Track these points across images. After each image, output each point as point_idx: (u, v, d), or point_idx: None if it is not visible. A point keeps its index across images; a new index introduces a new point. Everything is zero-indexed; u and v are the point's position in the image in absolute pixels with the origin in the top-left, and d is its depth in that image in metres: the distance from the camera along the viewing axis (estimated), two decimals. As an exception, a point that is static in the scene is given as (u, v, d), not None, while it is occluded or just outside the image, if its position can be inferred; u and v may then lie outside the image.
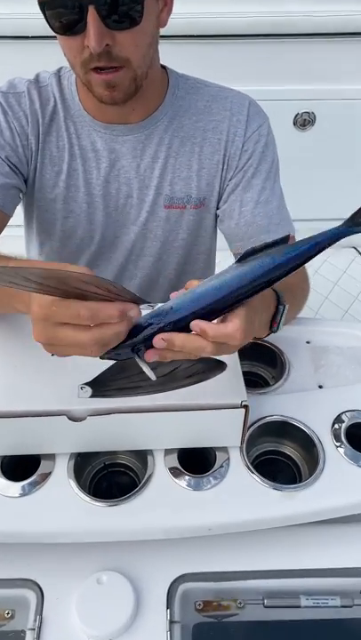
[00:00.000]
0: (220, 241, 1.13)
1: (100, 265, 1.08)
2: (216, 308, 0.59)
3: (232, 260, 1.82)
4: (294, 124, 1.76)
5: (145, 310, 0.59)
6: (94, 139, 0.95)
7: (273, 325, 0.77)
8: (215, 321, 0.59)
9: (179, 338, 0.57)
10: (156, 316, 0.58)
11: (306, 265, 0.64)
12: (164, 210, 1.00)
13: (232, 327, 0.58)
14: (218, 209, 1.03)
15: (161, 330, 0.58)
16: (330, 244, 0.62)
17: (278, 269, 0.60)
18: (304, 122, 1.77)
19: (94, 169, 0.96)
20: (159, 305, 0.60)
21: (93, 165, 0.96)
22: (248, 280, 0.59)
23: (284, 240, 0.61)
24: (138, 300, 0.57)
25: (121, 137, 0.94)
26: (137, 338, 0.58)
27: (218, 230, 1.09)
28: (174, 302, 0.59)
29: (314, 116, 1.76)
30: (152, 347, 0.58)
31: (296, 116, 1.75)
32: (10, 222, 0.98)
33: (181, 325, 0.58)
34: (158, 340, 0.57)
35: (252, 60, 1.66)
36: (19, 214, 1.08)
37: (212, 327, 0.57)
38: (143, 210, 1.00)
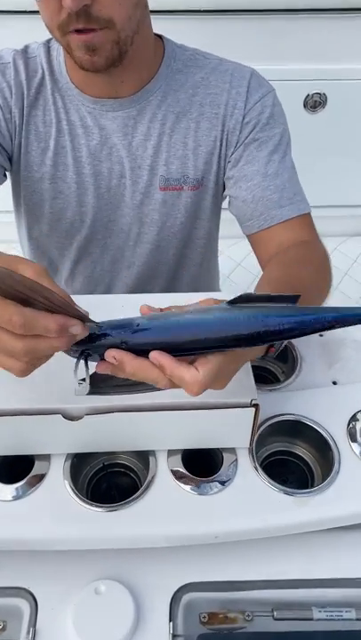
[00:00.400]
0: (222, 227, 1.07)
1: (94, 252, 1.02)
2: (184, 347, 0.51)
3: (234, 248, 1.72)
4: (304, 105, 1.68)
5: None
6: (83, 114, 0.89)
7: (270, 351, 0.71)
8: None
9: (131, 363, 0.51)
10: (118, 327, 0.52)
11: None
12: (160, 192, 0.94)
13: (191, 377, 0.51)
14: (223, 190, 0.97)
15: (117, 345, 0.51)
16: (343, 325, 0.53)
17: (270, 335, 0.52)
18: (315, 103, 1.68)
19: (84, 146, 0.90)
20: (126, 318, 0.53)
21: (83, 142, 0.90)
22: (230, 333, 0.51)
23: (292, 299, 0.53)
24: (84, 319, 0.50)
25: (111, 112, 0.88)
26: (89, 344, 0.52)
27: (219, 212, 1.03)
28: (142, 320, 0.52)
29: (325, 98, 1.68)
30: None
31: (306, 97, 1.67)
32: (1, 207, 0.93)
33: (140, 349, 0.51)
34: (109, 356, 0.51)
35: (258, 36, 1.58)
36: (8, 199, 1.03)
37: (172, 365, 0.50)
38: (137, 192, 0.94)
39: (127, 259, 1.03)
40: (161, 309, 0.56)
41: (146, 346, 0.51)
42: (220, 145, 0.91)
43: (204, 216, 0.99)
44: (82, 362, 0.53)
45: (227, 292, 0.78)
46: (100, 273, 1.05)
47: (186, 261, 1.06)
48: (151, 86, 0.87)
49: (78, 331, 0.49)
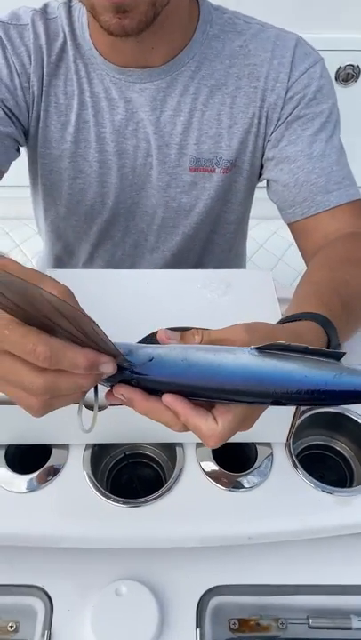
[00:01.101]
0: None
1: (115, 235, 0.95)
2: (203, 394, 0.43)
3: (257, 229, 1.61)
4: (336, 78, 1.58)
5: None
6: (108, 85, 0.80)
7: None
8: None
9: (142, 404, 0.44)
10: (130, 355, 0.43)
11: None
12: (190, 173, 0.86)
13: (208, 430, 0.43)
14: (260, 174, 0.88)
15: (126, 379, 0.43)
16: None
17: (305, 400, 0.42)
18: (347, 76, 1.58)
19: (108, 121, 0.82)
20: (141, 345, 0.44)
21: (107, 117, 0.82)
22: (258, 388, 0.42)
23: (336, 356, 0.43)
24: (117, 354, 0.42)
25: (138, 84, 0.79)
26: (113, 379, 0.44)
27: (252, 196, 0.95)
28: (158, 353, 0.43)
29: (359, 70, 1.58)
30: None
31: (338, 69, 1.57)
32: (18, 182, 0.86)
33: (153, 386, 0.44)
34: (117, 393, 0.44)
35: (285, 2, 1.47)
36: (24, 173, 0.96)
37: (187, 412, 0.43)
38: (164, 172, 0.86)
39: (150, 243, 0.96)
40: (183, 333, 0.47)
41: (159, 385, 0.44)
42: (259, 123, 0.82)
43: (236, 200, 0.91)
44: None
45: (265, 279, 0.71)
46: (120, 257, 0.98)
47: (213, 247, 0.98)
48: (184, 55, 0.79)
49: (109, 370, 0.41)
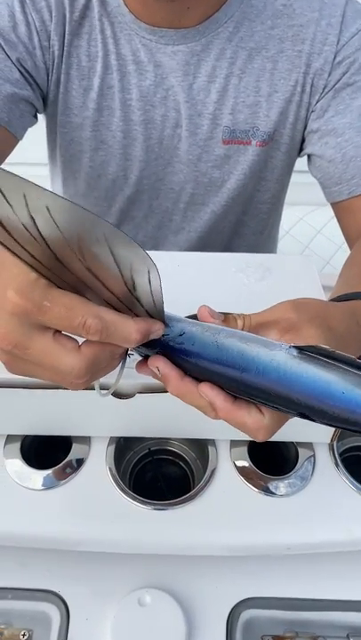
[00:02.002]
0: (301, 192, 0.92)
1: (137, 215, 0.88)
2: (238, 389, 0.38)
3: (313, 215, 1.50)
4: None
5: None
6: (136, 46, 0.72)
7: None
8: None
9: (177, 383, 0.38)
10: (172, 329, 0.38)
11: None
12: (223, 146, 0.78)
13: (254, 423, 0.38)
14: (301, 150, 0.80)
15: (166, 351, 0.38)
16: None
17: (349, 424, 0.36)
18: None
19: (135, 87, 0.74)
20: (176, 317, 0.38)
21: (134, 82, 0.74)
22: (297, 396, 0.36)
23: None
24: (167, 320, 0.37)
25: (170, 46, 0.72)
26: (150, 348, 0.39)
27: (290, 173, 0.88)
28: (191, 329, 0.38)
29: None
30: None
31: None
32: (33, 159, 0.78)
33: (176, 361, 0.38)
34: (152, 365, 0.39)
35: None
36: (41, 149, 0.90)
37: (227, 408, 0.38)
38: (195, 145, 0.78)
39: (176, 224, 0.89)
40: (225, 317, 0.42)
41: (182, 363, 0.38)
42: (302, 91, 0.74)
43: (272, 177, 0.84)
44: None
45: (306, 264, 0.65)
46: (142, 240, 0.91)
47: (244, 230, 0.91)
48: (221, 14, 0.71)
49: (158, 335, 0.36)
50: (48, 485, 0.55)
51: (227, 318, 0.41)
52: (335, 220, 0.82)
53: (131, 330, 0.34)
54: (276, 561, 0.56)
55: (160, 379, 0.39)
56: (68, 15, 0.71)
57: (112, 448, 0.57)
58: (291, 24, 0.72)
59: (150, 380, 0.51)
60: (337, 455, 0.57)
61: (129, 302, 0.35)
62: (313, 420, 0.37)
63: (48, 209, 0.28)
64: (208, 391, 0.38)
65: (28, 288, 0.32)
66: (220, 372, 0.37)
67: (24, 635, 0.54)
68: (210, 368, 0.37)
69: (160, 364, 0.38)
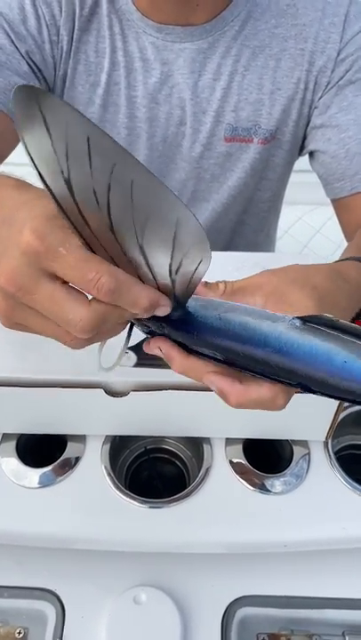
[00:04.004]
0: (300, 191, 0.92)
1: None
2: (241, 364, 0.37)
3: (312, 214, 1.49)
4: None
5: None
6: (143, 44, 0.73)
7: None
8: None
9: (180, 362, 0.38)
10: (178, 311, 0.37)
11: None
12: (225, 143, 0.78)
13: (268, 392, 0.36)
14: (303, 147, 0.81)
15: (169, 328, 0.38)
16: None
17: (335, 385, 0.35)
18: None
19: (140, 84, 0.75)
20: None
21: (140, 79, 0.74)
22: (282, 361, 0.35)
23: None
24: (182, 301, 0.36)
25: (177, 44, 0.72)
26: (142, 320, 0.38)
27: (290, 171, 0.88)
28: (193, 305, 0.37)
29: None
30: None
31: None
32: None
33: (180, 338, 0.38)
34: (154, 346, 0.39)
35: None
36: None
37: (239, 392, 0.36)
38: (197, 142, 0.79)
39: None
40: (206, 283, 0.42)
41: (187, 339, 0.38)
42: (305, 89, 0.75)
43: (273, 176, 0.84)
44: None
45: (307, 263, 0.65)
46: None
47: (244, 229, 0.91)
48: (228, 13, 0.72)
49: (164, 313, 0.36)
50: (44, 484, 0.55)
51: (208, 285, 0.42)
52: (334, 219, 0.82)
53: (141, 295, 0.33)
54: (272, 559, 0.56)
55: (165, 358, 0.39)
56: (77, 11, 0.72)
57: (107, 446, 0.57)
58: (294, 23, 0.73)
59: (144, 378, 0.51)
60: (332, 453, 0.57)
61: (162, 281, 0.34)
62: (314, 392, 0.36)
63: (132, 183, 0.27)
64: (215, 379, 0.37)
65: (46, 229, 0.31)
66: (222, 346, 0.37)
67: (19, 633, 0.54)
68: (214, 342, 0.37)
69: (161, 344, 0.38)
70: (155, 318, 0.37)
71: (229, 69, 0.74)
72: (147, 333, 0.40)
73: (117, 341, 0.40)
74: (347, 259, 0.51)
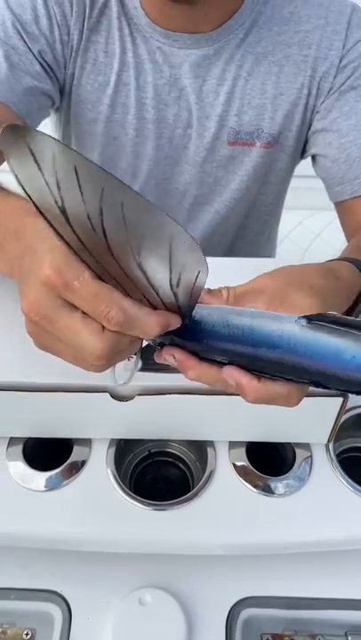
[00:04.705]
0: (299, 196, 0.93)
1: None
2: (239, 361, 0.38)
3: (312, 220, 1.51)
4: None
5: None
6: (152, 48, 0.74)
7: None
8: None
9: (194, 368, 0.39)
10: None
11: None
12: (228, 147, 0.80)
13: (283, 389, 0.38)
14: (305, 151, 0.82)
15: (179, 337, 0.39)
16: None
17: (346, 379, 0.36)
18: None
19: (150, 85, 0.76)
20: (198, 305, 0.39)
21: (150, 80, 0.76)
22: (292, 360, 0.36)
23: None
24: (186, 313, 0.38)
25: (184, 49, 0.73)
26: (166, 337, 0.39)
27: (291, 176, 0.89)
28: (200, 313, 0.38)
29: None
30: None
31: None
32: None
33: (190, 347, 0.39)
34: (167, 354, 0.40)
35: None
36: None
37: (253, 387, 0.38)
38: (201, 146, 0.80)
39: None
40: (209, 290, 0.43)
41: (197, 347, 0.39)
42: (308, 94, 0.76)
43: (275, 179, 0.85)
44: None
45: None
46: None
47: (246, 231, 0.93)
48: (233, 22, 0.73)
49: (176, 327, 0.37)
50: (50, 487, 0.56)
51: (211, 292, 0.43)
52: (334, 224, 0.84)
53: (151, 324, 0.35)
54: (275, 560, 0.57)
55: (178, 367, 0.40)
56: (87, 11, 0.73)
57: (113, 450, 0.58)
58: (297, 30, 0.75)
59: (149, 383, 0.52)
60: (333, 456, 0.58)
61: (166, 296, 0.35)
62: (327, 388, 0.37)
63: (122, 205, 0.29)
64: (233, 372, 0.38)
65: (63, 264, 0.34)
66: (232, 351, 0.38)
67: (27, 634, 0.55)
68: (223, 347, 0.38)
69: (175, 352, 0.39)
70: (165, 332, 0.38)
71: (233, 75, 0.75)
72: (157, 345, 0.41)
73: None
74: (340, 259, 0.52)
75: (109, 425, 0.57)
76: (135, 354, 0.43)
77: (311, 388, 0.51)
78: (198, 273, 0.34)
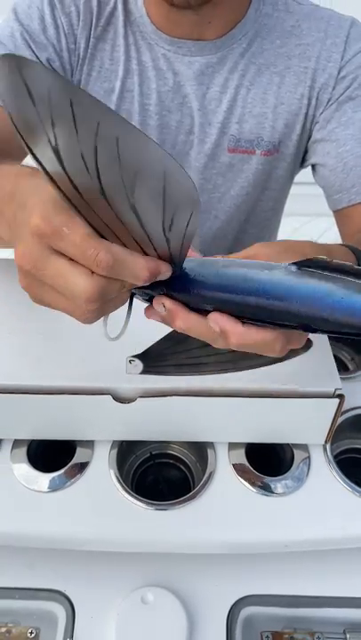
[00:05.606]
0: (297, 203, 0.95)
1: None
2: (229, 309, 0.39)
3: (309, 226, 1.53)
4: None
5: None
6: (156, 55, 0.76)
7: None
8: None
9: (183, 317, 0.40)
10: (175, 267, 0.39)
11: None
12: (228, 154, 0.82)
13: (268, 336, 0.39)
14: (305, 160, 0.84)
15: (169, 290, 0.40)
16: None
17: (333, 321, 0.37)
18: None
19: (154, 92, 0.78)
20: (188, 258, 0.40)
21: (153, 87, 0.78)
22: (280, 305, 0.37)
23: None
24: (178, 261, 0.38)
25: (188, 57, 0.76)
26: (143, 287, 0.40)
27: (291, 183, 0.91)
28: (190, 265, 0.40)
29: None
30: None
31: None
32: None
33: (182, 298, 0.40)
34: (158, 303, 0.41)
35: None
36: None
37: (238, 331, 0.39)
38: (202, 153, 0.82)
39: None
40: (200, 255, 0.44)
41: (189, 298, 0.40)
42: (308, 104, 0.78)
43: (275, 186, 0.87)
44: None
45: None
46: None
47: (245, 237, 0.94)
48: (237, 31, 0.75)
49: (167, 275, 0.39)
50: (54, 488, 0.57)
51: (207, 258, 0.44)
52: (332, 229, 0.85)
53: (141, 267, 0.36)
54: (275, 559, 0.58)
55: (167, 317, 0.41)
56: (94, 20, 0.75)
57: (115, 452, 0.59)
58: (298, 43, 0.77)
59: (151, 385, 0.53)
60: (331, 456, 0.59)
61: (158, 241, 0.36)
62: (315, 331, 0.38)
63: (117, 140, 0.28)
64: (218, 318, 0.39)
65: (51, 213, 0.35)
66: (224, 299, 0.38)
67: (31, 633, 0.56)
68: (214, 297, 0.39)
69: (165, 301, 0.40)
70: (155, 283, 0.39)
71: (236, 83, 0.77)
72: (147, 301, 0.42)
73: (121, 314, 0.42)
74: (337, 244, 0.55)
75: (112, 427, 0.58)
76: (128, 309, 0.43)
77: (310, 389, 0.53)
78: (191, 215, 0.34)
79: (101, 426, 0.58)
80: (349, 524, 0.55)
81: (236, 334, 0.39)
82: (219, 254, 0.95)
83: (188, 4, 0.66)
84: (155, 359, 0.50)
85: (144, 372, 0.50)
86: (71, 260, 0.36)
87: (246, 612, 0.57)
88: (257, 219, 0.91)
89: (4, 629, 0.56)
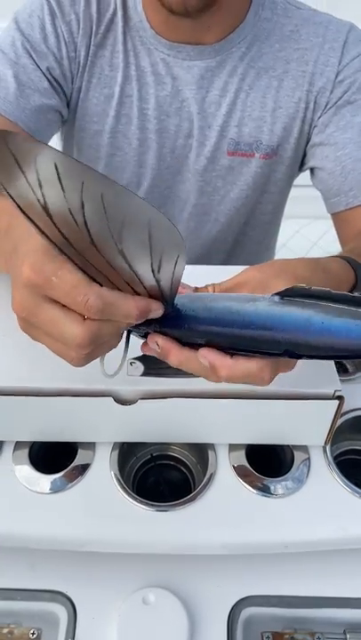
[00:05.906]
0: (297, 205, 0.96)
1: None
2: (218, 342, 0.41)
3: (309, 228, 1.54)
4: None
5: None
6: (155, 60, 0.77)
7: None
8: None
9: (176, 353, 0.41)
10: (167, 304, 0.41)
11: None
12: (227, 157, 0.83)
13: (256, 366, 0.40)
14: (303, 164, 0.85)
15: (163, 326, 0.41)
16: None
17: (316, 346, 0.38)
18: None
19: (152, 97, 0.79)
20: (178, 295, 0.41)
21: (151, 92, 0.79)
22: (263, 334, 0.39)
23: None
24: (169, 299, 0.40)
25: (187, 61, 0.76)
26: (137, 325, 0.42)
27: (290, 186, 0.92)
28: (181, 302, 0.41)
29: None
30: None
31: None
32: None
33: (175, 334, 0.42)
34: (152, 341, 0.42)
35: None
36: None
37: (227, 364, 0.40)
38: (202, 156, 0.83)
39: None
40: (196, 288, 0.47)
41: (180, 334, 0.41)
42: (306, 108, 0.79)
43: (275, 189, 0.88)
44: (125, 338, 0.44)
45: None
46: None
47: (245, 240, 0.95)
48: (236, 35, 0.76)
49: (158, 315, 0.40)
50: (55, 489, 0.58)
51: (198, 289, 0.46)
52: (330, 232, 0.86)
53: (131, 307, 0.37)
54: (275, 560, 0.59)
55: (161, 353, 0.42)
56: (94, 28, 0.76)
57: (116, 453, 0.60)
58: (297, 47, 0.78)
59: (152, 387, 0.54)
60: (330, 458, 0.59)
61: (148, 282, 0.37)
62: (299, 357, 0.40)
63: (102, 196, 0.30)
64: (207, 353, 0.40)
65: (40, 263, 0.36)
66: (213, 332, 0.40)
67: (33, 634, 0.56)
68: (205, 330, 0.40)
69: (158, 339, 0.42)
70: (148, 321, 0.40)
71: (235, 87, 0.78)
72: (143, 337, 0.43)
73: (120, 352, 0.44)
74: (334, 256, 0.55)
75: (113, 429, 0.59)
76: (125, 347, 0.44)
77: (310, 391, 0.53)
78: (177, 257, 0.36)
79: (102, 428, 0.58)
80: (349, 525, 0.55)
81: (225, 367, 0.40)
82: (219, 256, 0.97)
83: (186, 12, 0.67)
84: (156, 361, 0.50)
85: (145, 374, 0.50)
86: (64, 306, 0.37)
87: (247, 612, 0.57)
88: (257, 222, 0.92)
89: (6, 630, 0.57)
